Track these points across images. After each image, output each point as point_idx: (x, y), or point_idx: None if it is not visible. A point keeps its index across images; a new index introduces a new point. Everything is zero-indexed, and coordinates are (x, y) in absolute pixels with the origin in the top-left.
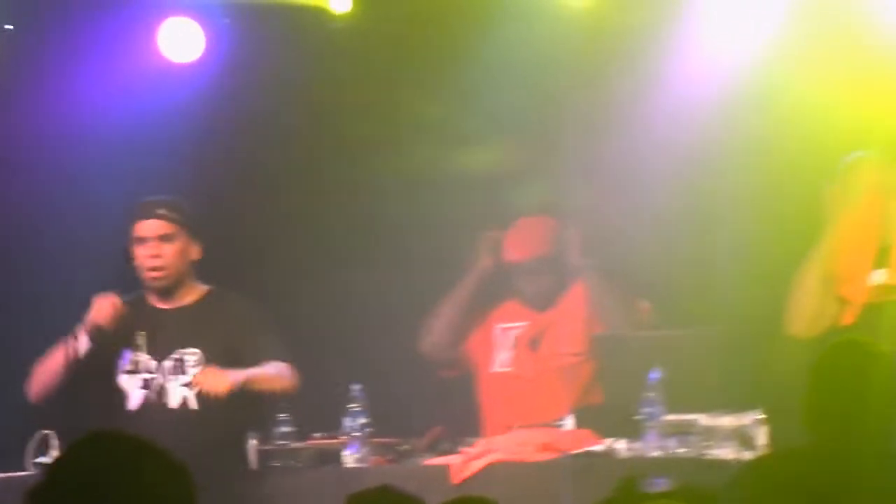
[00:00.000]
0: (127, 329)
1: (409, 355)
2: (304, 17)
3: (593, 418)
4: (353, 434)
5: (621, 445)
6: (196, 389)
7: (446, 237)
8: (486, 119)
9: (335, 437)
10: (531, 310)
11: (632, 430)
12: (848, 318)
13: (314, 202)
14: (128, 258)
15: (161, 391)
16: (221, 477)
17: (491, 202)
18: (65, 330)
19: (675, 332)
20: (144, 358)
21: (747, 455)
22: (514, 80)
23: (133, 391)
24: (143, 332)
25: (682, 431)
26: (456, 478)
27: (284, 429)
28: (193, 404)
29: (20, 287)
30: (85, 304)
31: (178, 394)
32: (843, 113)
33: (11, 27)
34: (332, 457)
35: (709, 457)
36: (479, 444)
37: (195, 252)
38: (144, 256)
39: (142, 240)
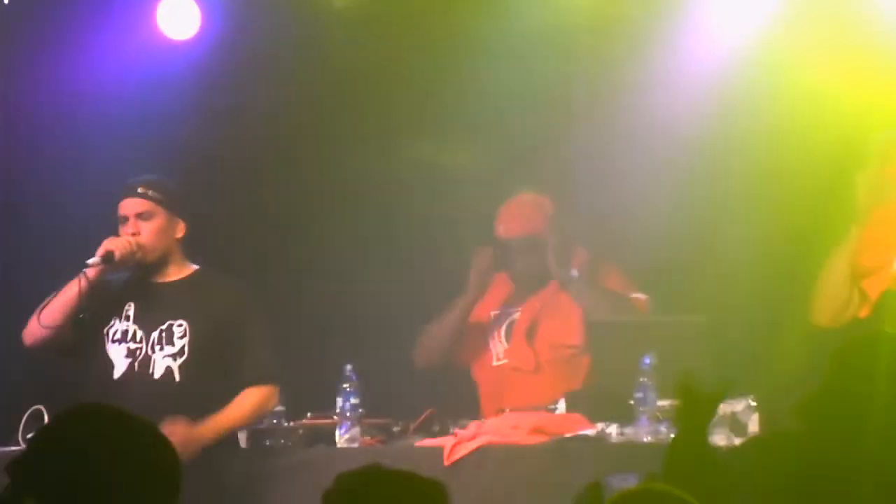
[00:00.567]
0: (116, 299)
1: (401, 336)
2: None
3: (585, 402)
4: (346, 414)
5: (613, 430)
6: (181, 360)
7: (442, 222)
8: (487, 109)
9: (327, 418)
10: (520, 288)
11: (624, 415)
12: (865, 311)
13: (306, 182)
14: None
15: (146, 361)
16: (207, 451)
17: (488, 192)
18: None
19: (667, 318)
20: (133, 328)
21: (738, 441)
22: (515, 69)
23: (119, 361)
24: (131, 303)
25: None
26: (447, 460)
27: (276, 408)
28: (177, 376)
29: (19, 261)
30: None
31: (162, 364)
32: (852, 97)
33: (6, 1)
34: (324, 437)
35: None
36: (471, 427)
37: (179, 230)
38: (125, 234)
39: (124, 218)
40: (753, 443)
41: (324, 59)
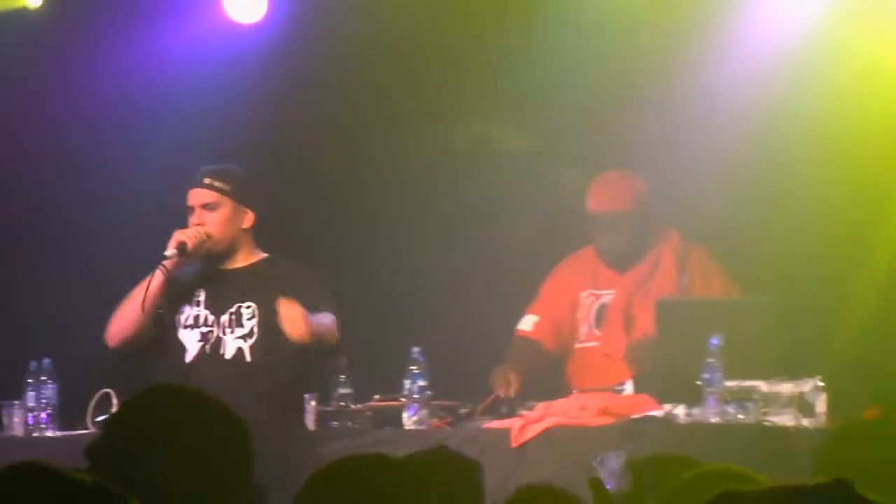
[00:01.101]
0: (187, 288)
1: (469, 318)
2: None
3: (653, 383)
4: (413, 396)
5: (680, 411)
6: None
7: (508, 204)
8: (551, 88)
9: (395, 400)
10: (606, 265)
11: (691, 396)
12: None
13: (374, 166)
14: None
15: (217, 343)
16: (276, 431)
17: (551, 173)
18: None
19: (735, 298)
20: (204, 313)
21: (806, 422)
22: (575, 48)
23: (191, 345)
24: (202, 290)
25: (741, 398)
26: (515, 441)
27: (344, 390)
28: (248, 356)
29: (85, 250)
30: (150, 268)
31: (233, 345)
32: None
33: None
34: (392, 419)
35: (768, 423)
36: (538, 408)
37: (247, 220)
38: (192, 224)
39: (191, 208)
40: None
41: (387, 41)
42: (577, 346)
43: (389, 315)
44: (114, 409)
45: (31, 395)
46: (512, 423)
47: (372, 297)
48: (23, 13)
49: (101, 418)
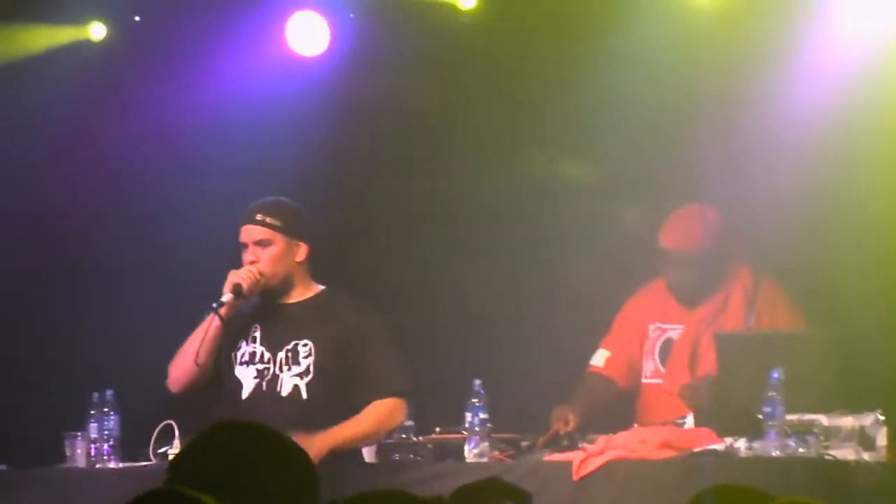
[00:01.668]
0: (244, 325)
1: (531, 351)
2: (429, 12)
3: (713, 417)
4: (475, 429)
5: (741, 444)
6: (308, 379)
7: (573, 236)
8: (616, 119)
9: (456, 432)
10: (675, 300)
11: (752, 430)
12: None
13: (435, 198)
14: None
15: (274, 380)
16: (334, 467)
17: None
18: (188, 328)
19: (795, 331)
20: (260, 349)
21: (866, 456)
22: (641, 77)
23: (248, 382)
24: (257, 325)
25: (801, 431)
26: (576, 474)
27: (406, 423)
28: (304, 394)
29: (149, 282)
30: (211, 297)
31: (290, 383)
32: None
33: (138, 18)
34: (454, 451)
35: (829, 457)
36: (600, 441)
37: (300, 253)
38: (245, 261)
39: (244, 245)
40: None
41: (449, 72)
42: (644, 381)
43: (452, 347)
44: (176, 441)
45: (93, 426)
46: (573, 456)
47: (434, 329)
48: (86, 45)
49: (162, 450)
